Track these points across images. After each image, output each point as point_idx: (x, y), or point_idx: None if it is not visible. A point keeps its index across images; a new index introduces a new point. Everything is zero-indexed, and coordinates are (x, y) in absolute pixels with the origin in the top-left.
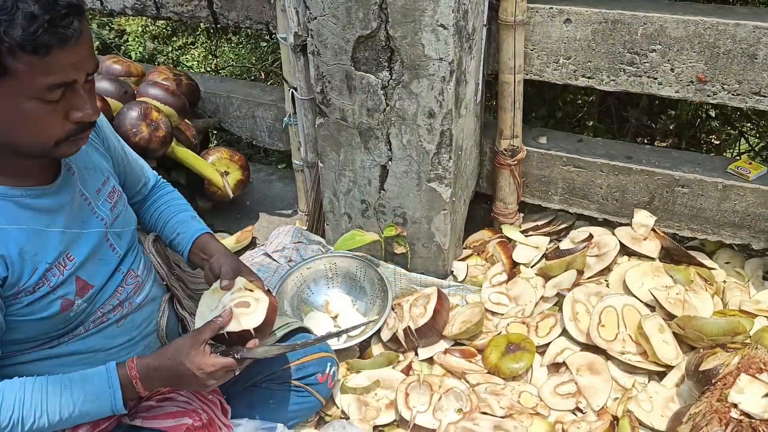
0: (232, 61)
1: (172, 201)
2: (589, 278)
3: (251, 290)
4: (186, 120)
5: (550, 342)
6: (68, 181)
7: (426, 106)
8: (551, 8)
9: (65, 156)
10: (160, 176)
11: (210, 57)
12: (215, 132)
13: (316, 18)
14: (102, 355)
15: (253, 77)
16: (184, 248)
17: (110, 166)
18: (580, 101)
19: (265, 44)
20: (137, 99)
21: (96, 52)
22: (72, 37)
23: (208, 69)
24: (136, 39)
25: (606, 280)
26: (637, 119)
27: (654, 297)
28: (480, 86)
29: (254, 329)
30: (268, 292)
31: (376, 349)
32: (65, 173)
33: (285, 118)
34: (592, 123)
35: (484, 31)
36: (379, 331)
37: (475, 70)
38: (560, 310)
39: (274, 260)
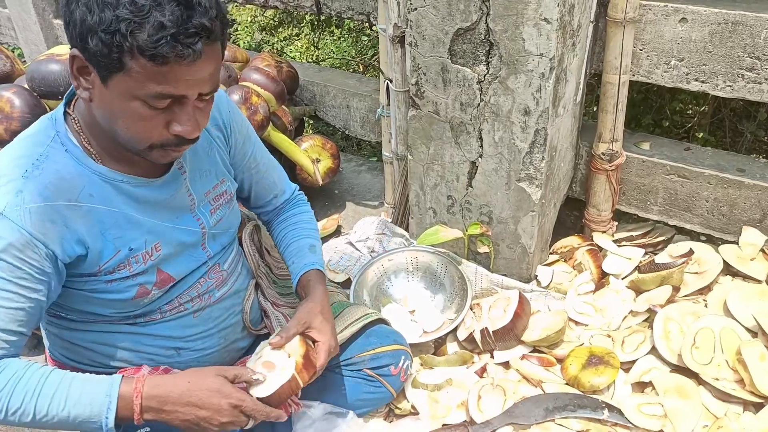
0: (333, 53)
1: (299, 224)
2: (685, 296)
3: (289, 355)
4: (283, 106)
5: (637, 359)
6: (176, 179)
7: (522, 103)
8: (666, 6)
9: (156, 161)
10: (300, 190)
11: (312, 48)
12: (310, 120)
13: (416, 9)
14: (178, 342)
15: (352, 70)
16: (293, 280)
17: (230, 171)
18: (690, 111)
19: (365, 38)
20: (239, 83)
21: None
22: (189, 56)
23: (310, 60)
24: (246, 29)
25: (704, 300)
26: (753, 133)
27: (757, 322)
28: (581, 86)
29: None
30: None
31: (451, 347)
32: (174, 171)
33: (378, 110)
34: (702, 135)
35: (590, 28)
36: (455, 329)
37: (578, 69)
38: (651, 326)
39: (357, 249)
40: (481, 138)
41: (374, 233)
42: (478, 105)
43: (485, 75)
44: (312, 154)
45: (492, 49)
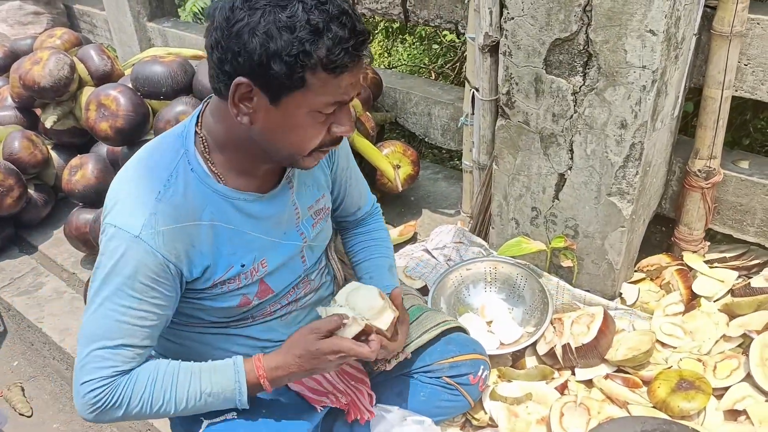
0: (405, 60)
1: (378, 241)
2: None
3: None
4: (367, 112)
5: (730, 386)
6: (284, 192)
7: (619, 116)
8: None
9: (305, 168)
10: (377, 203)
11: (385, 54)
12: (390, 126)
13: (513, 18)
14: (265, 343)
15: (423, 77)
16: None
17: (329, 185)
18: None
19: (437, 46)
20: None
21: None
22: (361, 62)
23: (382, 66)
24: None
25: None
26: None
27: None
28: (679, 99)
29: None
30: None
31: (530, 361)
32: (284, 185)
33: (462, 118)
34: None
35: (693, 41)
36: (535, 343)
37: (678, 82)
38: (745, 353)
39: (433, 257)
40: (571, 150)
41: (451, 241)
42: (571, 116)
43: (581, 86)
44: (393, 160)
45: (590, 60)
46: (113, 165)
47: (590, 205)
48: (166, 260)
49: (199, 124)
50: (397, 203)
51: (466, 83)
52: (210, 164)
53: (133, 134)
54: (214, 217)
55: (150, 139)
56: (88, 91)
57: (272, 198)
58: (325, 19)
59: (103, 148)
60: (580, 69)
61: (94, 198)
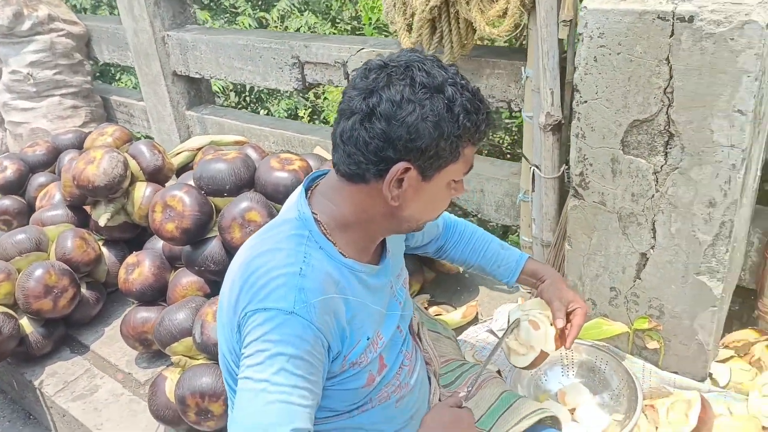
0: None
1: (474, 235)
2: None
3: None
4: None
5: None
6: (388, 263)
7: (706, 195)
8: None
9: (406, 232)
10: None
11: None
12: None
13: (586, 101)
14: (383, 427)
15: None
16: (512, 276)
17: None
18: None
19: None
20: None
21: None
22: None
23: None
24: None
25: None
26: None
27: None
28: (759, 172)
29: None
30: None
31: None
32: (388, 255)
33: (520, 195)
34: None
35: None
36: None
37: (757, 156)
38: None
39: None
40: (654, 229)
41: None
42: (653, 196)
43: (662, 165)
44: None
45: (672, 139)
46: (170, 261)
47: (677, 284)
48: (321, 333)
49: (309, 206)
50: (453, 282)
51: (524, 160)
52: (333, 243)
53: (198, 233)
54: (347, 291)
55: (214, 237)
56: (140, 186)
57: (382, 269)
58: (470, 99)
59: (158, 244)
60: (661, 149)
61: (151, 296)
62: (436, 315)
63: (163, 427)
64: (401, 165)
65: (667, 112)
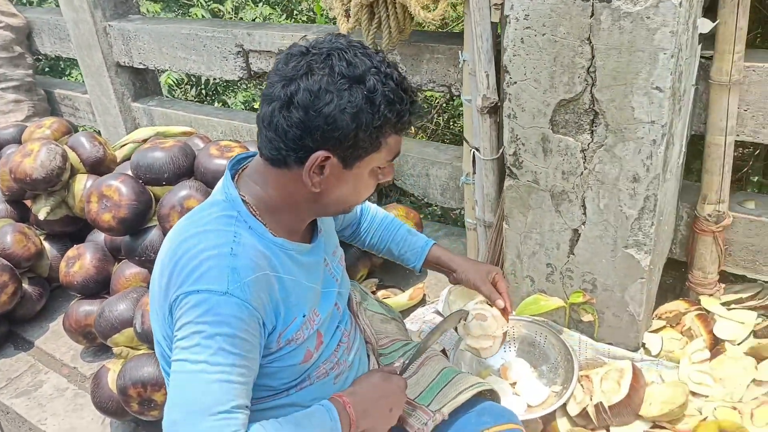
0: None
1: (384, 220)
2: None
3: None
4: None
5: None
6: (321, 241)
7: (630, 171)
8: None
9: (335, 215)
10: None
11: None
12: (385, 190)
13: (516, 83)
14: None
15: (418, 138)
16: (417, 261)
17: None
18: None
19: (426, 106)
20: None
21: None
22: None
23: None
24: None
25: None
26: None
27: None
28: (683, 148)
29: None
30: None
31: (562, 423)
32: (319, 235)
33: (463, 177)
34: None
35: (692, 91)
36: (565, 404)
37: (681, 132)
38: None
39: None
40: (584, 206)
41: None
42: (581, 173)
43: (589, 143)
44: None
45: (596, 117)
46: (112, 253)
47: (607, 258)
48: (255, 311)
49: (236, 189)
50: (400, 266)
51: (465, 143)
52: (263, 224)
53: (136, 223)
54: (279, 269)
55: (154, 227)
56: (80, 179)
57: (314, 248)
58: (393, 89)
59: (99, 237)
60: (587, 127)
61: (94, 289)
62: (384, 298)
63: (108, 420)
64: (320, 154)
65: (591, 91)
